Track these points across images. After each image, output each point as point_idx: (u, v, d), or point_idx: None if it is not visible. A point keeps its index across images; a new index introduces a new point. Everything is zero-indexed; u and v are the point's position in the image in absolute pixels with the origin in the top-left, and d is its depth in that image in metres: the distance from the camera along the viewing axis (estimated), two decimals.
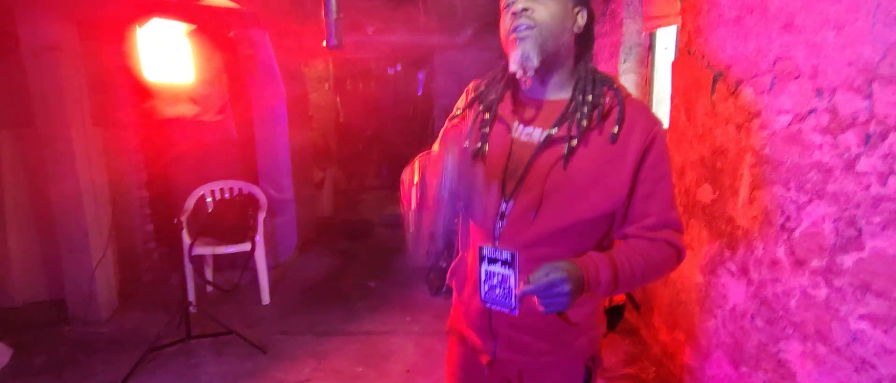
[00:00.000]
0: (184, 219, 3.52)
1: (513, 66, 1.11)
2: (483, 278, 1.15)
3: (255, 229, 3.63)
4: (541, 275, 0.99)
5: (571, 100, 1.13)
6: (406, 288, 3.93)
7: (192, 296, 3.46)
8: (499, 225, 1.16)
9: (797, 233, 1.71)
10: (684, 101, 2.44)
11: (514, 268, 1.11)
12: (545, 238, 1.12)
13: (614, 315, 3.14)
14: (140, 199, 3.89)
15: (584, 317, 1.20)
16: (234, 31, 3.86)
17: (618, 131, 1.08)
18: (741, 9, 1.98)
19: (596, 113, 1.10)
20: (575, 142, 1.09)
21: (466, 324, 1.30)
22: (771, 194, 1.83)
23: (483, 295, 1.16)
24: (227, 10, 3.10)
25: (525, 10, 1.08)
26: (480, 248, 1.14)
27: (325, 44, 1.51)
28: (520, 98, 1.21)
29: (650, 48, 3.35)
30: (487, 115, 1.19)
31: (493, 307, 1.15)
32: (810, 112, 1.64)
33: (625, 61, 3.40)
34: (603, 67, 3.70)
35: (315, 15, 1.62)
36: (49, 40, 3.03)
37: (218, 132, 4.03)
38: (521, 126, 1.17)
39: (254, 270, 3.68)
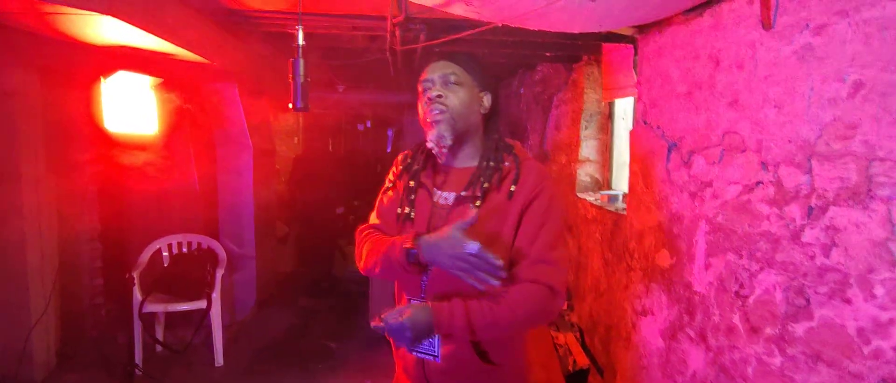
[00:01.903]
0: (136, 273, 3.38)
1: (430, 144, 1.32)
2: None
3: (212, 286, 3.51)
4: (394, 316, 1.19)
5: (478, 166, 1.35)
6: (368, 349, 3.82)
7: (138, 357, 3.28)
8: (424, 279, 1.33)
9: (751, 301, 1.75)
10: (642, 168, 2.52)
11: None
12: (463, 289, 1.24)
13: (578, 379, 3.10)
14: (91, 251, 3.72)
15: (505, 359, 1.33)
16: (202, 85, 3.86)
17: (513, 189, 1.29)
18: (691, 84, 2.09)
19: (496, 176, 1.32)
20: (478, 202, 1.28)
21: (406, 377, 1.44)
22: (725, 261, 1.88)
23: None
24: (196, 65, 3.11)
25: (439, 96, 1.31)
26: (409, 301, 1.35)
27: (291, 106, 1.53)
28: (438, 167, 1.41)
29: (610, 117, 3.49)
30: (412, 184, 1.40)
31: (419, 355, 1.35)
32: (758, 184, 1.72)
33: (586, 128, 3.52)
34: (566, 133, 3.83)
35: (285, 71, 1.67)
36: (7, 86, 2.96)
37: (180, 184, 3.95)
38: (439, 191, 1.37)
39: (208, 329, 3.53)
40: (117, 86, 2.91)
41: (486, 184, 1.29)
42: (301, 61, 1.50)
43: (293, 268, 5.88)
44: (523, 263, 1.26)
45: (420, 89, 1.36)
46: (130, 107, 3.01)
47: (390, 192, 1.46)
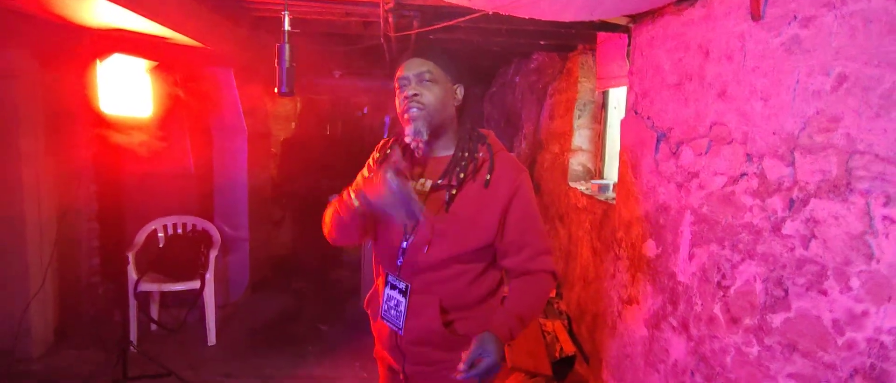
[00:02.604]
0: (132, 254, 3.41)
1: (407, 139, 1.40)
2: (384, 299, 1.50)
3: (205, 266, 3.54)
4: (481, 368, 1.26)
5: (453, 156, 1.44)
6: (359, 332, 3.85)
7: (133, 335, 3.32)
8: (401, 258, 1.45)
9: (732, 291, 1.77)
10: (632, 158, 2.53)
11: (406, 296, 1.44)
12: (435, 265, 1.41)
13: (565, 365, 3.14)
14: (89, 231, 3.75)
15: (470, 330, 1.44)
16: (198, 70, 3.86)
17: (489, 178, 1.40)
18: (681, 75, 2.10)
19: (472, 165, 1.42)
20: (455, 190, 1.39)
21: (382, 347, 1.57)
22: (708, 252, 1.90)
23: (382, 313, 1.50)
24: (191, 49, 3.11)
25: (415, 95, 1.39)
26: (387, 275, 1.50)
27: (276, 90, 1.54)
28: (416, 157, 1.49)
29: (603, 106, 3.49)
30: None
31: (388, 324, 1.49)
32: (742, 175, 1.73)
33: (579, 117, 3.53)
34: (559, 123, 3.83)
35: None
36: (6, 68, 2.98)
37: (175, 166, 3.96)
38: (415, 179, 1.45)
39: (202, 309, 3.57)
40: (113, 68, 2.90)
41: (462, 175, 1.39)
42: (287, 46, 1.51)
43: (288, 251, 5.91)
44: (525, 254, 1.43)
45: (397, 86, 1.44)
46: (126, 90, 3.00)
47: (369, 176, 1.52)
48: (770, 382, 1.58)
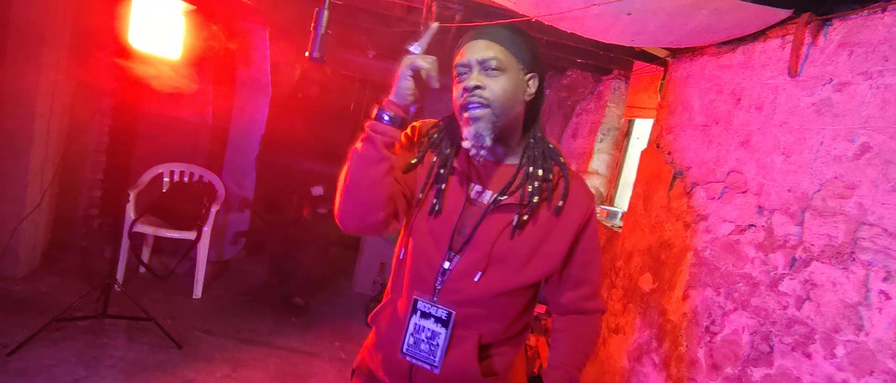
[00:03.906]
0: (133, 192, 3.43)
1: (466, 144, 1.11)
2: (410, 330, 1.17)
3: (205, 219, 3.56)
4: None
5: (520, 167, 1.17)
6: (343, 314, 3.86)
7: (120, 274, 3.34)
8: (440, 280, 1.16)
9: (718, 338, 1.76)
10: (645, 190, 2.53)
11: (447, 327, 1.14)
12: (484, 299, 1.14)
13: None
14: (95, 163, 3.77)
15: (504, 368, 1.22)
16: (235, 22, 3.88)
17: (562, 205, 1.15)
18: (709, 117, 2.09)
19: (546, 188, 1.15)
20: (526, 215, 1.13)
21: (383, 370, 1.26)
22: (702, 296, 1.89)
23: (405, 347, 1.17)
24: (232, 1, 3.13)
25: (477, 87, 1.09)
26: (415, 301, 1.17)
27: (307, 54, 1.54)
28: (473, 161, 1.20)
29: (627, 134, 3.48)
30: (443, 171, 1.18)
31: (414, 361, 1.17)
32: (750, 226, 1.72)
33: (601, 140, 3.52)
34: (580, 143, 3.82)
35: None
36: None
37: (193, 114, 3.99)
38: (473, 185, 1.18)
39: (193, 261, 3.59)
40: (149, 3, 2.93)
41: (535, 198, 1.14)
42: (325, 11, 1.50)
43: (291, 218, 5.93)
44: (583, 292, 1.25)
45: (454, 73, 1.15)
46: (158, 29, 3.02)
47: (410, 158, 1.23)
48: None
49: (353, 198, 1.10)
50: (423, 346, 1.16)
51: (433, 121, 1.29)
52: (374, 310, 1.33)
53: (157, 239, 3.67)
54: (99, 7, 3.30)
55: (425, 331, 1.16)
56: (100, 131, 3.75)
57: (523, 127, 1.20)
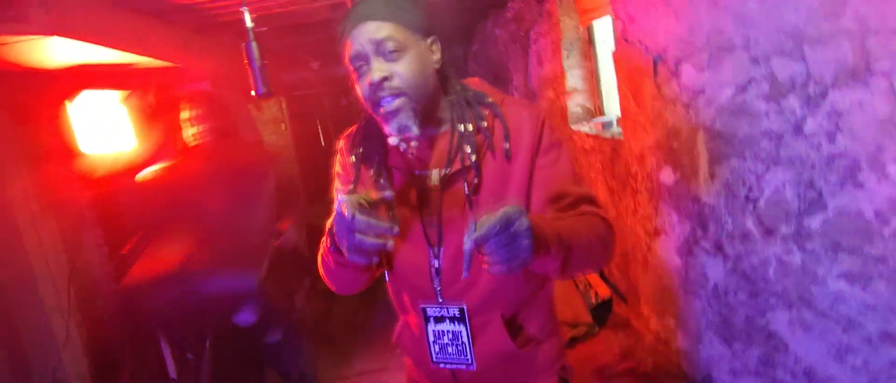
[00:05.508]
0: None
1: (393, 141, 1.01)
2: (431, 339, 1.12)
3: None
4: (490, 218, 0.80)
5: (452, 131, 1.06)
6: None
7: (171, 368, 3.31)
8: (437, 280, 1.09)
9: (761, 203, 1.70)
10: (631, 88, 2.44)
11: (464, 323, 1.08)
12: (488, 279, 1.06)
13: (603, 310, 3.11)
14: (101, 264, 3.70)
15: (539, 328, 1.15)
16: (174, 90, 3.75)
17: (509, 147, 1.04)
18: None
19: (484, 140, 1.05)
20: (476, 179, 1.03)
21: (427, 378, 1.23)
22: (730, 167, 1.82)
23: (434, 357, 1.12)
24: (162, 71, 3.01)
25: (385, 79, 0.97)
26: (424, 309, 1.11)
27: (253, 93, 1.44)
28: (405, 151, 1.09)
29: (590, 42, 3.38)
30: (382, 180, 1.09)
31: (448, 367, 1.12)
32: (750, 81, 1.64)
33: (568, 57, 3.42)
34: (549, 68, 3.72)
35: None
36: None
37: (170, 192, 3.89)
38: (417, 172, 1.09)
39: None
40: (84, 107, 2.82)
41: (473, 156, 1.03)
42: (254, 44, 1.40)
43: (306, 252, 5.89)
44: (563, 204, 1.03)
45: (351, 69, 1.03)
46: (103, 126, 2.93)
47: (344, 189, 1.15)
48: (820, 287, 1.52)
49: (340, 284, 1.14)
50: (450, 350, 1.11)
51: (351, 129, 1.20)
52: (396, 331, 1.29)
53: None
54: (42, 128, 3.19)
55: (446, 335, 1.11)
56: (96, 245, 3.67)
57: (444, 91, 1.09)
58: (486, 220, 0.80)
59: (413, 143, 1.02)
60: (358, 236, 0.87)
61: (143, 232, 2.94)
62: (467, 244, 0.81)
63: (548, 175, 1.05)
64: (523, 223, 0.81)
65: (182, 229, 2.46)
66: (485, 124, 1.06)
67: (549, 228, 0.89)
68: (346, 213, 0.86)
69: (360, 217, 0.86)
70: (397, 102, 0.98)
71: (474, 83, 1.16)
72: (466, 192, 1.03)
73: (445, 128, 1.08)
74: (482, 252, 0.82)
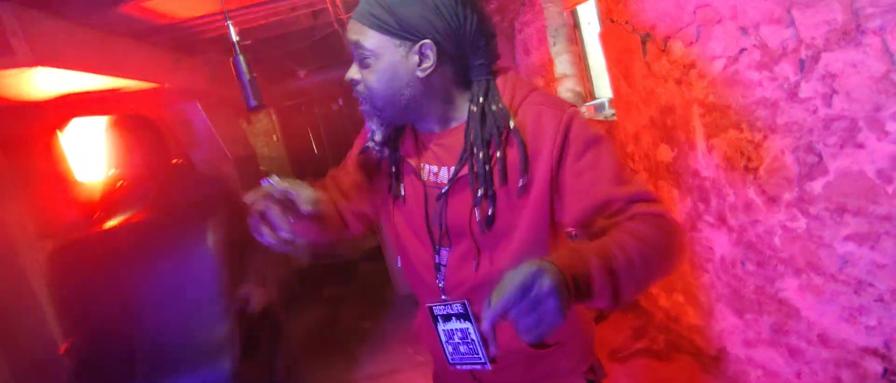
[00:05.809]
0: None
1: (369, 143, 1.03)
2: (443, 339, 1.08)
3: None
4: (504, 288, 0.71)
5: (468, 129, 0.97)
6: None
7: None
8: (440, 276, 1.05)
9: (762, 171, 1.70)
10: (620, 69, 2.44)
11: (470, 319, 1.03)
12: (493, 279, 0.88)
13: None
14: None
15: (563, 332, 1.04)
16: (164, 110, 3.73)
17: (523, 183, 0.94)
18: None
19: (497, 167, 0.95)
20: (482, 190, 0.95)
21: (448, 379, 1.21)
22: (727, 139, 1.82)
23: (450, 358, 1.08)
24: (149, 92, 2.99)
25: (353, 81, 0.98)
26: (430, 309, 1.07)
27: (246, 107, 1.44)
28: (419, 135, 1.06)
29: (575, 26, 3.37)
30: (394, 169, 1.07)
31: (465, 368, 1.08)
32: (741, 51, 1.64)
33: (554, 44, 3.41)
34: (536, 56, 3.71)
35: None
36: None
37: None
38: (426, 166, 1.04)
39: None
40: (76, 134, 2.81)
41: (482, 190, 0.96)
42: (241, 58, 1.39)
43: (309, 260, 5.88)
44: (611, 210, 0.90)
45: None
46: (96, 152, 2.91)
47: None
48: (827, 250, 1.52)
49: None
50: (462, 349, 1.07)
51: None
52: (415, 326, 1.26)
53: None
54: (41, 164, 3.18)
55: (456, 334, 1.07)
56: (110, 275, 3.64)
57: (455, 90, 1.00)
58: (502, 290, 0.72)
59: (377, 149, 1.02)
60: (261, 227, 0.91)
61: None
62: (485, 324, 0.72)
63: (586, 182, 0.92)
64: (544, 283, 0.71)
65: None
66: (499, 154, 0.95)
67: (584, 266, 0.78)
68: (248, 202, 0.91)
69: (259, 210, 0.91)
70: (366, 107, 0.99)
71: (507, 79, 1.01)
72: (474, 200, 0.97)
73: (459, 122, 1.01)
74: (506, 320, 0.73)
